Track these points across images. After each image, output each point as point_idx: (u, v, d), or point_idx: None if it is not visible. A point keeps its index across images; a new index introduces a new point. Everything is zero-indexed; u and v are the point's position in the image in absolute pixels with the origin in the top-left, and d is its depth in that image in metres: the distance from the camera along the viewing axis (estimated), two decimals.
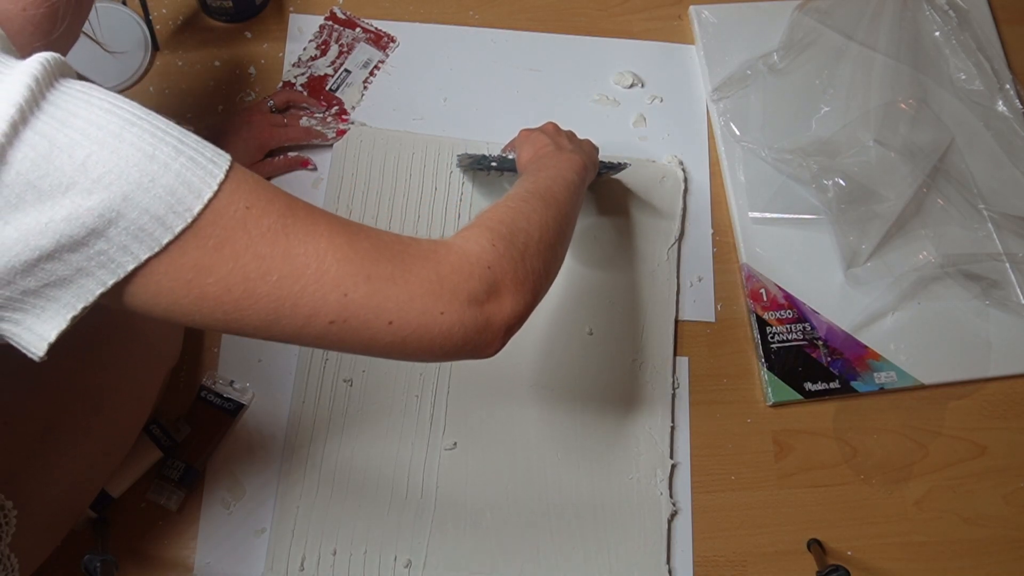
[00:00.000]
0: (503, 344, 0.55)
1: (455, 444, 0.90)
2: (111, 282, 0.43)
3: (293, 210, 0.48)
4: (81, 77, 0.46)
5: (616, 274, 0.97)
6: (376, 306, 0.49)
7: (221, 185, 0.45)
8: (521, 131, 0.88)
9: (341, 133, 0.99)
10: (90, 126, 0.42)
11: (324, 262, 0.47)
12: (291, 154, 0.98)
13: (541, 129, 0.86)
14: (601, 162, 0.89)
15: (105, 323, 0.70)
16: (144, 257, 0.43)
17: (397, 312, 0.49)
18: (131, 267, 0.43)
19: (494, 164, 0.93)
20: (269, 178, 0.97)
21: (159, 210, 0.43)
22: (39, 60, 0.43)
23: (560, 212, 0.65)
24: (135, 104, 0.45)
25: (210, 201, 0.44)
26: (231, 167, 0.46)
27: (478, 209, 0.98)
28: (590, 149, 0.86)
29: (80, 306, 0.44)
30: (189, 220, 0.43)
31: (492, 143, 1.00)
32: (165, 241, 0.43)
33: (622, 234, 0.99)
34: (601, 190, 1.00)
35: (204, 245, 0.44)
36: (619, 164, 0.93)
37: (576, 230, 0.72)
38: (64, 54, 0.58)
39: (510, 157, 0.88)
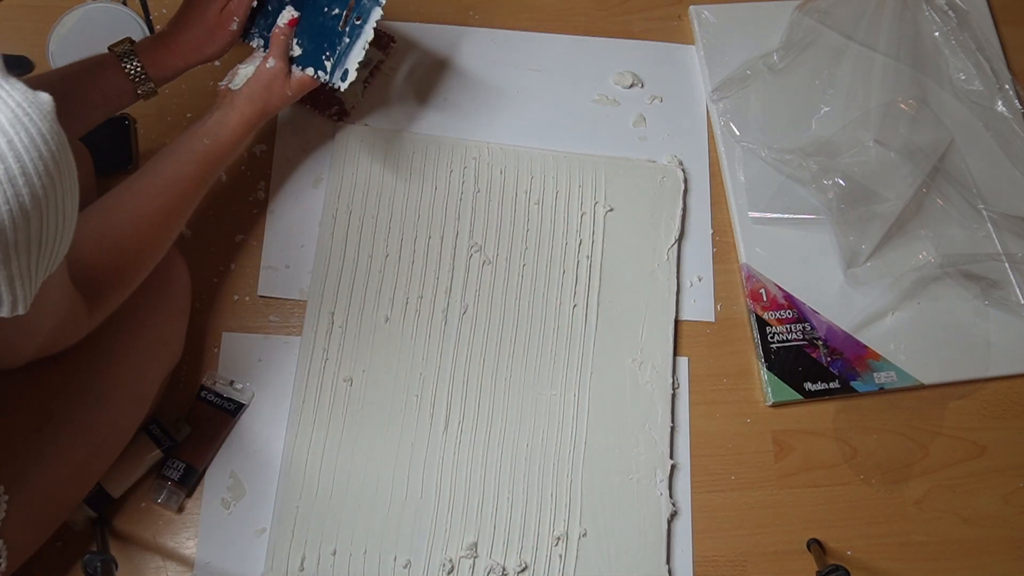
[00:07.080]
0: None
1: (455, 444, 0.90)
2: None
3: None
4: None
5: (616, 274, 0.98)
6: None
7: None
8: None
9: (293, 23, 0.84)
10: None
11: None
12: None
13: None
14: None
15: (110, 319, 0.71)
16: None
17: None
18: None
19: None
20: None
21: None
22: None
23: None
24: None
25: None
26: None
27: (479, 210, 0.98)
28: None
29: None
30: None
31: (492, 143, 1.01)
32: None
33: (622, 233, 0.99)
34: (605, 188, 1.00)
35: None
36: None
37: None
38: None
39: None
